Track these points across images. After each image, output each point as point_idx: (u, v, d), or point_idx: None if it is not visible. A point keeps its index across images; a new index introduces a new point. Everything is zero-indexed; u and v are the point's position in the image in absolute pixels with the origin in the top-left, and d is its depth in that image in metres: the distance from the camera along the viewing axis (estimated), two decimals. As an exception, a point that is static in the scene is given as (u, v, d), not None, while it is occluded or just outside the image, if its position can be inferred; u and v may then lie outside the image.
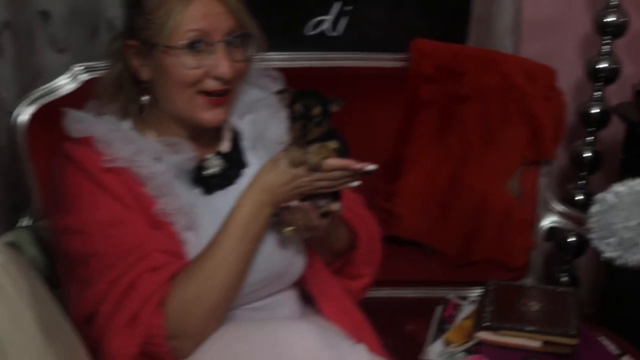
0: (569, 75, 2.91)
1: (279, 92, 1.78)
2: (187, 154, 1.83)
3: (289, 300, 1.94)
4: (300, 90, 1.76)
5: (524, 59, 2.64)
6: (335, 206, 1.78)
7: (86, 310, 1.71)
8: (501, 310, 2.23)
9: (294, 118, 1.72)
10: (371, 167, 1.73)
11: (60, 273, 1.83)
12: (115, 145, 1.77)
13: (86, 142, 1.79)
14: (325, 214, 1.78)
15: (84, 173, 1.75)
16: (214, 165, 1.87)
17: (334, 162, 1.71)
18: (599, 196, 2.12)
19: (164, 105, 1.83)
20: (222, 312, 1.75)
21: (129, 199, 1.75)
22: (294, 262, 1.89)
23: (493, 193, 2.54)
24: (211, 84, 1.78)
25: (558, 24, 2.98)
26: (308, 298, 1.98)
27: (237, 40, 1.80)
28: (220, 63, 1.77)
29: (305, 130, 1.70)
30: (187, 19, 1.75)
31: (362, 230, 2.00)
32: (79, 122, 1.82)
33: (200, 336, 1.73)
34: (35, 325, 1.34)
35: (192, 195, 1.82)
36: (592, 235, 2.11)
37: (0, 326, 1.28)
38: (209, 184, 1.86)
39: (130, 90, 1.86)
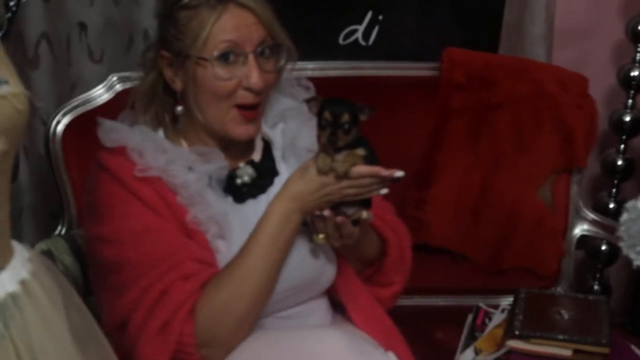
0: (601, 83, 2.88)
1: (309, 101, 1.79)
2: (219, 163, 1.84)
3: (319, 308, 1.95)
4: (329, 98, 1.76)
5: (556, 67, 2.63)
6: (364, 214, 1.77)
7: (118, 318, 1.73)
8: (532, 318, 2.21)
9: (322, 125, 1.71)
10: (399, 173, 1.72)
11: (93, 281, 1.86)
12: (149, 154, 1.79)
13: (120, 151, 1.80)
14: (355, 222, 1.78)
15: (118, 182, 1.77)
16: (245, 174, 1.88)
17: (362, 169, 1.70)
18: (629, 204, 2.11)
19: (196, 116, 1.84)
20: (252, 320, 1.76)
21: (162, 207, 1.76)
22: (324, 271, 1.89)
23: (525, 201, 2.53)
24: (243, 96, 1.80)
25: (590, 31, 2.95)
26: (338, 306, 1.99)
27: (268, 51, 1.82)
28: (251, 74, 1.78)
29: (334, 137, 1.69)
30: (219, 30, 1.77)
31: (392, 238, 2.00)
32: (113, 132, 1.84)
33: (230, 344, 1.74)
34: (67, 334, 1.33)
35: (223, 204, 1.83)
36: (622, 243, 2.10)
37: (33, 334, 1.27)
38: (241, 193, 1.88)
39: (163, 100, 1.88)
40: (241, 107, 1.81)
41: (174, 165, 1.79)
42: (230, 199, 1.86)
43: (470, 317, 2.38)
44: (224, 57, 1.78)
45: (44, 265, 1.40)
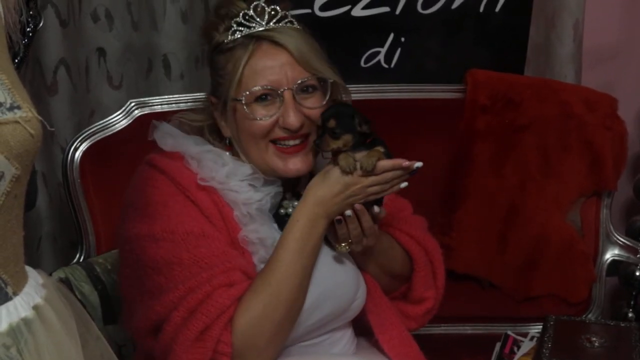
0: (631, 104, 2.83)
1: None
2: (276, 188, 1.86)
3: (344, 337, 1.94)
4: (333, 105, 1.83)
5: (583, 87, 2.60)
6: (376, 208, 1.80)
7: (155, 320, 1.72)
8: (561, 346, 2.20)
9: (317, 129, 1.79)
10: (419, 164, 1.76)
11: (126, 284, 1.83)
12: (208, 165, 1.81)
13: (177, 157, 1.83)
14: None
15: (177, 185, 1.78)
16: (290, 206, 1.88)
17: (385, 162, 1.74)
18: (662, 228, 2.07)
19: (243, 160, 1.85)
20: (286, 332, 1.75)
21: (217, 219, 1.78)
22: (355, 298, 1.88)
23: (553, 225, 2.51)
24: (280, 134, 1.81)
25: (620, 51, 2.92)
26: (365, 329, 1.97)
27: (308, 88, 1.81)
28: (287, 113, 1.79)
29: (319, 141, 1.76)
30: (253, 72, 1.79)
31: (418, 253, 1.99)
32: (169, 137, 1.86)
33: (263, 357, 1.74)
34: None
35: (272, 230, 1.84)
36: (655, 269, 2.06)
37: None
38: (284, 223, 1.85)
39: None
40: (277, 142, 1.82)
41: (234, 180, 1.80)
42: (276, 226, 1.86)
43: (498, 346, 2.37)
44: (260, 98, 1.79)
45: (59, 291, 1.39)
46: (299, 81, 1.79)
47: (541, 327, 2.37)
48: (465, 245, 2.51)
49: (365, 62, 2.61)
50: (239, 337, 1.70)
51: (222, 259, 1.73)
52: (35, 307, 1.27)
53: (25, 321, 1.25)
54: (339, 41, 2.53)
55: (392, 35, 2.58)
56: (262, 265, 1.79)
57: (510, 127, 2.51)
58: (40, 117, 1.23)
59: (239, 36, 1.81)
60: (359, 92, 2.47)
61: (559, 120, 2.50)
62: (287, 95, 1.79)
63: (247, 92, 1.78)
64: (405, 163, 1.74)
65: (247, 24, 1.81)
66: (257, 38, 1.80)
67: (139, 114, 2.35)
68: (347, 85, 2.37)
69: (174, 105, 2.36)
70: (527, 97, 2.50)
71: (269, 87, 1.78)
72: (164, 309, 1.71)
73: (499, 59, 2.62)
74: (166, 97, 2.41)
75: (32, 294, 1.29)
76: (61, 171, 2.32)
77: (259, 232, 1.80)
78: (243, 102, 1.79)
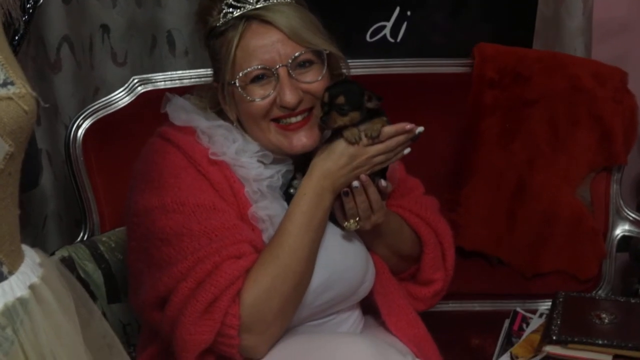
0: (642, 77, 2.81)
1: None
2: (287, 166, 1.85)
3: (351, 317, 1.94)
4: (338, 81, 1.83)
5: (592, 61, 2.57)
6: (383, 182, 1.81)
7: (162, 291, 1.72)
8: (570, 322, 2.16)
9: (321, 104, 1.78)
10: (421, 128, 1.79)
11: (133, 257, 1.83)
12: (219, 140, 1.81)
13: (189, 131, 1.82)
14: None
15: (189, 159, 1.78)
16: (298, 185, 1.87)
17: (389, 128, 1.76)
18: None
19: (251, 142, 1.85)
20: (294, 306, 1.75)
21: (228, 194, 1.78)
22: (364, 280, 1.87)
23: (562, 200, 2.48)
24: (279, 112, 1.80)
25: (630, 25, 2.87)
26: (372, 308, 1.97)
27: (304, 63, 1.80)
28: (283, 91, 1.78)
29: (327, 117, 1.75)
30: (245, 53, 1.78)
31: (427, 235, 1.98)
32: (182, 111, 1.86)
33: (270, 333, 1.73)
34: (80, 341, 1.30)
35: (282, 208, 1.83)
36: (666, 244, 2.04)
37: (43, 340, 1.24)
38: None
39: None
40: (279, 120, 1.81)
41: (245, 157, 1.80)
42: (286, 204, 1.84)
43: (507, 323, 2.35)
44: (255, 79, 1.78)
45: (57, 270, 1.37)
46: (293, 56, 1.77)
47: (550, 303, 2.34)
48: (474, 222, 2.48)
49: (371, 37, 2.58)
50: (247, 310, 1.69)
51: (232, 232, 1.73)
52: (32, 287, 1.26)
53: (21, 301, 1.24)
54: (344, 15, 2.51)
55: (397, 9, 2.56)
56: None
57: (518, 101, 2.48)
58: (34, 93, 1.22)
59: (230, 18, 1.79)
60: (364, 67, 2.47)
61: (568, 95, 2.47)
62: (282, 72, 1.77)
63: (241, 74, 1.77)
64: (408, 126, 1.76)
65: (237, 4, 1.79)
66: (247, 18, 1.78)
67: (142, 91, 2.34)
68: (353, 60, 2.38)
69: (177, 81, 2.36)
70: (536, 71, 2.47)
71: (262, 67, 1.77)
72: (171, 280, 1.70)
73: (506, 32, 2.59)
74: (169, 73, 2.40)
75: (28, 273, 1.28)
76: (64, 149, 2.31)
77: (268, 209, 1.80)
78: (237, 84, 1.78)
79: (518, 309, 2.40)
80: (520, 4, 2.59)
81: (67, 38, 2.44)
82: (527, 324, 2.32)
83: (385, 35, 2.58)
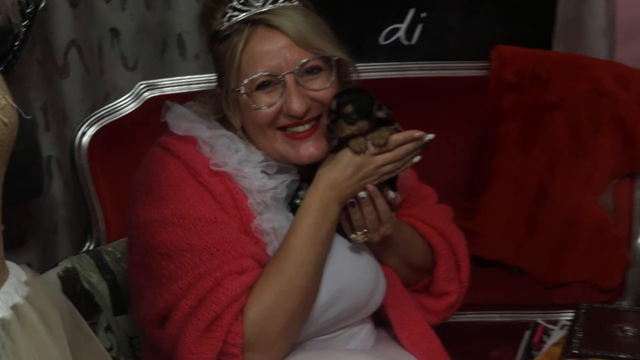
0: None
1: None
2: (292, 176, 1.81)
3: (361, 332, 1.89)
4: (348, 89, 1.78)
5: (614, 63, 2.52)
6: (392, 194, 1.76)
7: (164, 307, 1.68)
8: (593, 335, 2.14)
9: (329, 112, 1.74)
10: (430, 135, 1.73)
11: (134, 271, 1.80)
12: (221, 150, 1.77)
13: (189, 141, 1.78)
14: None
15: (190, 170, 1.74)
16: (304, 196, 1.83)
17: (397, 136, 1.71)
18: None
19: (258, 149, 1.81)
20: (299, 324, 1.71)
21: (230, 206, 1.74)
22: (374, 293, 1.83)
23: (584, 207, 2.44)
24: (286, 121, 1.76)
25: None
26: (384, 321, 1.92)
27: (312, 69, 1.75)
28: (290, 99, 1.73)
29: (333, 126, 1.71)
30: (250, 59, 1.74)
31: (440, 245, 1.94)
32: (183, 120, 1.82)
33: (274, 351, 1.69)
34: None
35: (287, 220, 1.78)
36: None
37: None
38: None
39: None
40: (285, 129, 1.76)
41: (248, 167, 1.77)
42: (291, 216, 1.80)
43: (527, 334, 2.34)
44: (261, 86, 1.74)
45: (45, 289, 1.35)
46: (300, 63, 1.72)
47: (572, 314, 2.32)
48: (492, 230, 2.45)
49: (385, 39, 2.55)
50: (251, 328, 1.64)
51: (234, 246, 1.68)
52: (14, 307, 1.24)
53: (3, 322, 1.21)
54: (356, 17, 2.47)
55: (412, 11, 2.52)
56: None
57: (538, 105, 2.44)
58: (15, 105, 1.20)
59: (234, 22, 1.74)
60: (377, 70, 2.44)
61: (590, 98, 2.42)
62: (289, 79, 1.72)
63: (247, 81, 1.73)
64: (417, 133, 1.72)
65: (242, 7, 1.75)
66: (253, 22, 1.73)
67: (149, 97, 2.32)
68: (366, 64, 2.36)
69: (184, 87, 2.33)
70: (556, 74, 2.43)
71: (268, 74, 1.72)
72: (172, 297, 1.66)
73: (525, 34, 2.54)
74: (176, 78, 2.38)
75: (11, 292, 1.25)
76: (69, 156, 2.29)
77: (273, 222, 1.75)
78: (242, 91, 1.73)
79: (539, 320, 2.37)
80: (539, 4, 2.55)
81: (75, 42, 2.40)
82: (549, 336, 2.29)
83: (399, 37, 2.55)
